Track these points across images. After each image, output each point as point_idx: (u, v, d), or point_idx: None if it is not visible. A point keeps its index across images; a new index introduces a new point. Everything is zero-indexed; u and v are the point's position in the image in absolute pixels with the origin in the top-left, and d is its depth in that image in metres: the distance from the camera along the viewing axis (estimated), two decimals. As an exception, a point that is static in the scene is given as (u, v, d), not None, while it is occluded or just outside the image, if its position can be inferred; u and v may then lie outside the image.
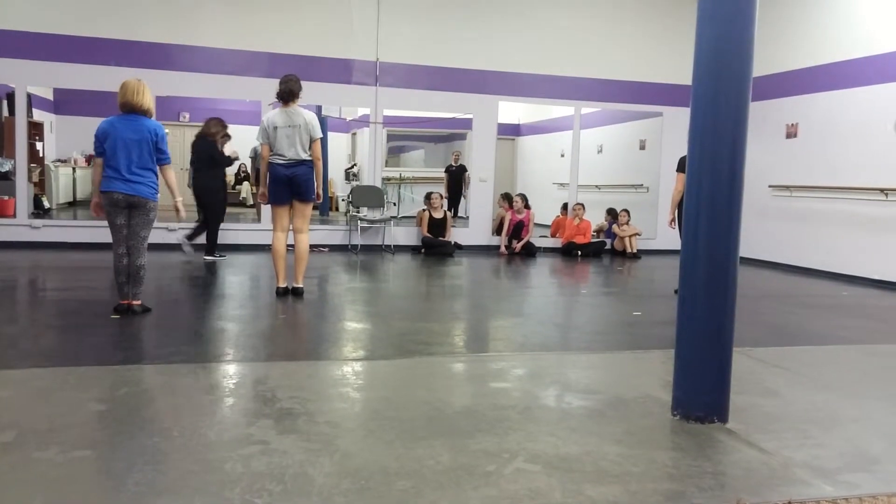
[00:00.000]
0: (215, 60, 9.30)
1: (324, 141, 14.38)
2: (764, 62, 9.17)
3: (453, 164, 13.51)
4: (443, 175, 13.73)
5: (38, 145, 11.86)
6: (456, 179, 13.25)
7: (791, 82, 9.55)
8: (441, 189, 12.44)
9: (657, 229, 10.96)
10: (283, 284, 6.05)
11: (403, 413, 3.16)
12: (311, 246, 9.74)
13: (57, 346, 4.38)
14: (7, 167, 9.58)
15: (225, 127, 8.52)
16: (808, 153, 9.31)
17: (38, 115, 11.39)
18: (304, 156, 5.85)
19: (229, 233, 9.89)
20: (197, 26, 9.26)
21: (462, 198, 12.83)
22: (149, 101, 5.26)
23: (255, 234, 9.82)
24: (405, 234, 10.32)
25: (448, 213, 10.41)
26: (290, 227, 6.09)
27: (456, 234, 10.37)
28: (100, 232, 9.21)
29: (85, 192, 13.98)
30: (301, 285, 6.10)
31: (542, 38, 10.34)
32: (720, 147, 3.05)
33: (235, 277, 7.46)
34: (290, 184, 5.85)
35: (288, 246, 6.11)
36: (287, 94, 5.88)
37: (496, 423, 3.04)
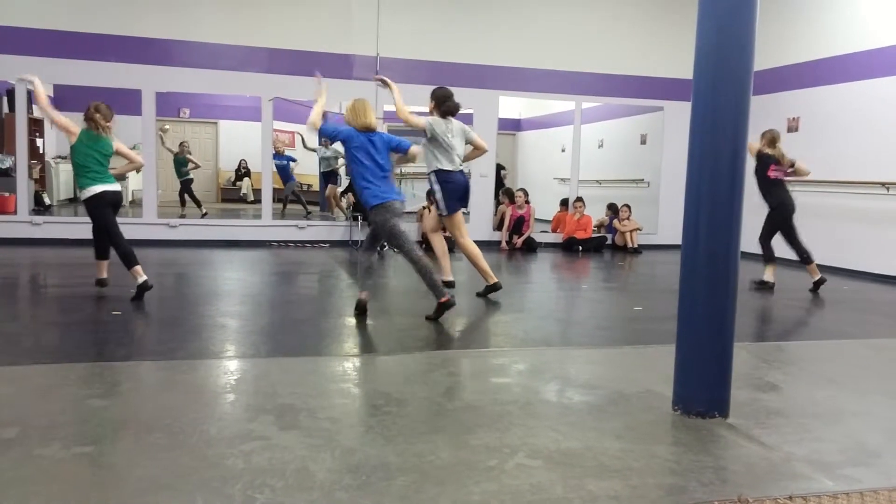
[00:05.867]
0: (215, 56, 9.29)
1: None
2: (765, 56, 9.14)
3: None
4: None
5: (39, 142, 11.87)
6: None
7: (792, 76, 9.52)
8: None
9: (658, 224, 10.95)
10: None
11: (404, 408, 3.17)
12: (311, 242, 9.80)
13: (58, 342, 4.39)
14: (7, 164, 9.58)
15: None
16: (810, 147, 9.27)
17: (38, 111, 11.36)
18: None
19: (229, 229, 9.90)
20: (196, 22, 9.24)
21: None
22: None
23: (254, 230, 9.83)
24: (406, 230, 10.30)
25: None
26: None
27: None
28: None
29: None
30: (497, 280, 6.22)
31: (542, 33, 10.31)
32: (721, 141, 3.04)
33: (235, 274, 7.46)
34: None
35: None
36: (455, 111, 6.01)
37: (497, 419, 3.04)
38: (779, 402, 3.44)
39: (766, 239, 7.16)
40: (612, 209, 11.10)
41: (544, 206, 11.85)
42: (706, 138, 3.08)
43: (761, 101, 9.45)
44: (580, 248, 10.31)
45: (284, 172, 12.59)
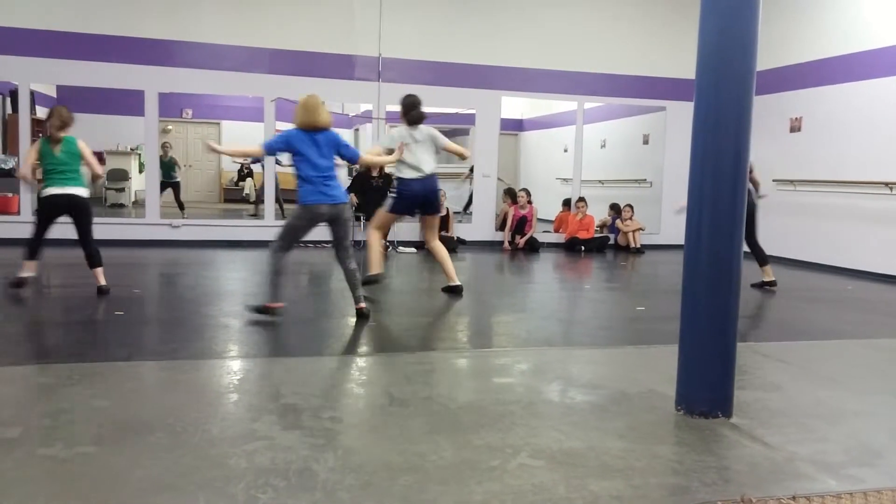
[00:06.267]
0: (217, 57, 9.30)
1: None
2: (767, 56, 9.13)
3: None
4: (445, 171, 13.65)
5: (42, 142, 11.88)
6: None
7: (795, 76, 9.51)
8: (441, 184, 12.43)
9: (661, 224, 10.94)
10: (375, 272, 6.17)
11: (407, 408, 3.16)
12: (314, 242, 9.79)
13: (61, 342, 4.39)
14: (11, 164, 9.60)
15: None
16: (812, 147, 9.27)
17: (41, 112, 11.38)
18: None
19: (231, 229, 9.91)
20: (199, 22, 9.25)
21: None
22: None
23: (256, 230, 9.83)
24: (408, 230, 10.31)
25: (450, 209, 10.39)
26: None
27: (459, 230, 10.36)
28: (102, 229, 9.25)
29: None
30: (458, 283, 6.27)
31: (544, 33, 10.31)
32: (723, 141, 3.04)
33: (237, 274, 7.46)
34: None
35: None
36: (419, 119, 6.02)
37: (500, 419, 3.04)
38: (782, 402, 3.43)
39: (752, 238, 7.04)
40: (615, 209, 11.09)
41: (547, 206, 11.84)
42: (709, 138, 3.08)
43: (764, 101, 9.43)
44: (583, 248, 10.30)
45: None
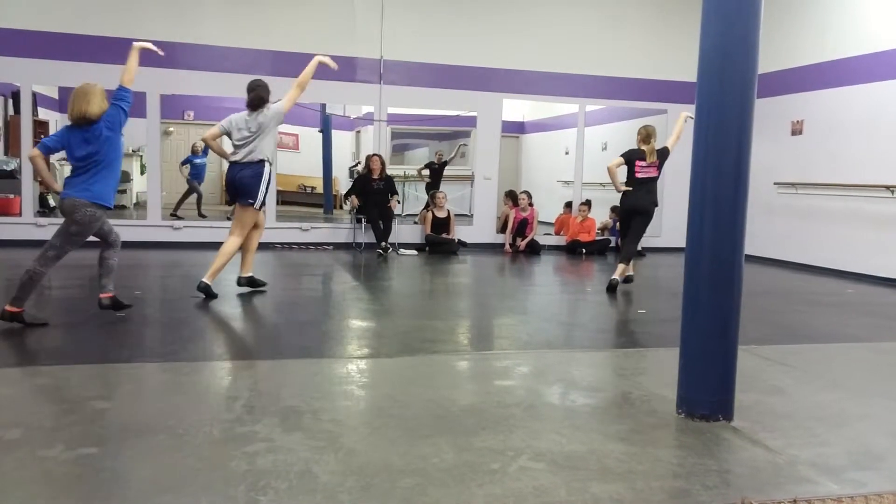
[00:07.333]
0: (219, 58, 9.31)
1: (328, 139, 14.26)
2: (769, 59, 9.13)
3: (436, 162, 13.29)
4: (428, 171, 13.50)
5: (44, 144, 11.87)
6: (437, 176, 13.04)
7: (796, 79, 9.51)
8: (444, 186, 12.38)
9: (661, 227, 10.93)
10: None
11: (408, 411, 3.16)
12: (315, 244, 9.80)
13: (61, 344, 4.39)
14: (12, 166, 9.61)
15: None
16: (814, 150, 9.27)
17: (43, 113, 11.39)
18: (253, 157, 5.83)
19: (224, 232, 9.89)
20: (200, 24, 9.27)
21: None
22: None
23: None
24: (409, 233, 10.32)
25: (451, 211, 10.38)
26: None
27: (460, 232, 10.35)
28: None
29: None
30: (250, 275, 6.19)
31: (546, 35, 10.31)
32: (725, 144, 3.04)
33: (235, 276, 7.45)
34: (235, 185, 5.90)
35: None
36: (256, 102, 5.85)
37: (501, 421, 3.04)
38: (783, 406, 3.43)
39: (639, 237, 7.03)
40: (616, 212, 11.06)
41: (548, 208, 11.83)
42: (710, 141, 3.08)
43: (765, 104, 9.43)
44: (584, 250, 10.30)
45: (203, 172, 12.59)
